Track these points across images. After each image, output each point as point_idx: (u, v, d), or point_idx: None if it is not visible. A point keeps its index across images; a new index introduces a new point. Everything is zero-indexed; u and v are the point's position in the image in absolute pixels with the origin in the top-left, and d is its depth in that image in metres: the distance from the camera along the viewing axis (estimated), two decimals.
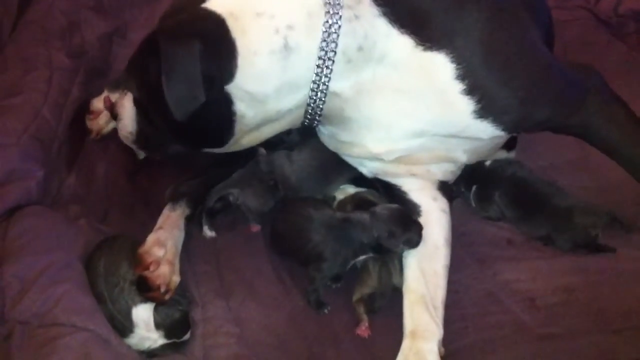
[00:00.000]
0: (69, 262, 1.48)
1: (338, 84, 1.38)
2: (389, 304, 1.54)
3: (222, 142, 1.45)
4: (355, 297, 1.54)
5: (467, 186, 1.76)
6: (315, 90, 1.38)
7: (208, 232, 1.71)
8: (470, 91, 1.37)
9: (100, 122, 1.93)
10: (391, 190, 1.64)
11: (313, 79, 1.36)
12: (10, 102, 1.80)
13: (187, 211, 1.66)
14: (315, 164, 1.72)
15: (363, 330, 1.51)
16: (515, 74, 1.38)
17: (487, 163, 1.75)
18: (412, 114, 1.44)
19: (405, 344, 1.42)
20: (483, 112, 1.39)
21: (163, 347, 1.43)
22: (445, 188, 1.65)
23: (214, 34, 1.30)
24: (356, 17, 1.33)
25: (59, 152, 1.81)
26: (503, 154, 1.78)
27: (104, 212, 1.73)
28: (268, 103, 1.37)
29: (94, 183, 1.84)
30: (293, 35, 1.31)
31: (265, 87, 1.34)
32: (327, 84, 1.37)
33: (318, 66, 1.34)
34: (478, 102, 1.38)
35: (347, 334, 1.51)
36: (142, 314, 1.42)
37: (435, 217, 1.60)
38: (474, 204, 1.76)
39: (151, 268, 1.46)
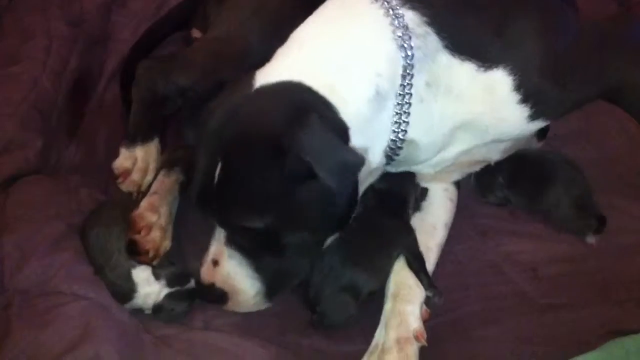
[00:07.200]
0: (68, 231, 1.48)
1: (415, 130, 1.34)
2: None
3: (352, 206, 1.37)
4: None
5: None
6: (395, 139, 1.34)
7: None
8: (525, 99, 1.36)
9: (135, 179, 1.64)
10: None
11: (393, 129, 1.32)
12: (9, 72, 1.78)
13: (181, 177, 1.64)
14: None
15: None
16: (561, 69, 1.37)
17: None
18: (474, 137, 1.44)
19: (387, 306, 1.41)
20: (536, 115, 1.39)
21: (169, 299, 1.42)
22: (457, 181, 1.67)
23: (313, 102, 1.23)
24: (424, 55, 1.30)
25: (59, 122, 1.79)
26: (534, 143, 1.74)
27: (104, 182, 1.72)
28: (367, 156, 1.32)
29: (94, 153, 1.82)
30: (381, 82, 1.28)
31: (367, 137, 1.30)
32: (405, 129, 1.33)
33: (396, 113, 1.31)
34: (532, 107, 1.37)
35: None
36: (141, 273, 1.43)
37: (440, 202, 1.61)
38: (474, 185, 1.74)
39: (142, 233, 1.46)
